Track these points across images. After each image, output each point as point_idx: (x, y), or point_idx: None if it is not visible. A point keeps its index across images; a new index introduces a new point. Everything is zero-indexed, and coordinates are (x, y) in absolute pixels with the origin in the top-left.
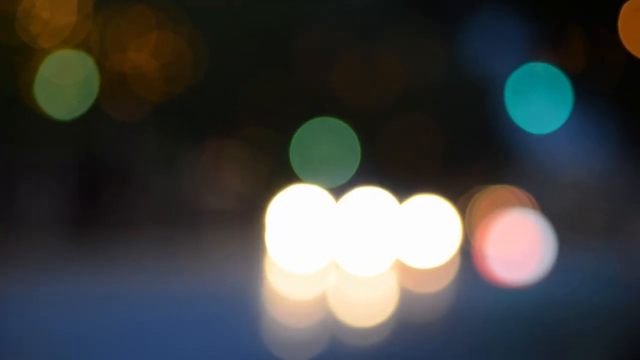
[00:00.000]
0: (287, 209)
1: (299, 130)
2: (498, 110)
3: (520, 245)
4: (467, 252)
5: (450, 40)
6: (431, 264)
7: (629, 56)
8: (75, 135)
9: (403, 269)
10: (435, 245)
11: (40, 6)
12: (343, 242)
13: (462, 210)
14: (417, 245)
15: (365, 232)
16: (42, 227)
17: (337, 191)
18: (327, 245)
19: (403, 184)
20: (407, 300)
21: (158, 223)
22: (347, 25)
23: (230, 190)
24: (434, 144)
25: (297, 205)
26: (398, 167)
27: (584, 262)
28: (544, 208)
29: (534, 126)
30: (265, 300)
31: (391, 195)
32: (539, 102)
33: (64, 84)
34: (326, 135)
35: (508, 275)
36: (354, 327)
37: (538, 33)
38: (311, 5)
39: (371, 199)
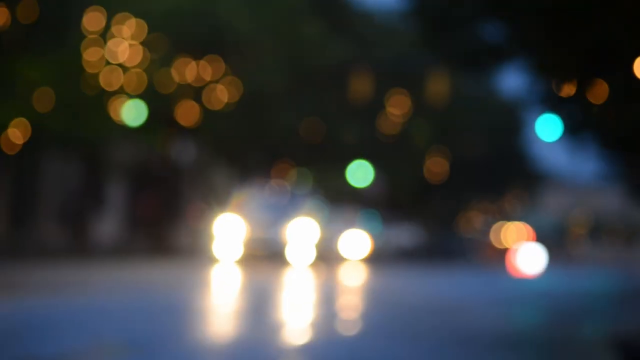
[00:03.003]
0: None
1: (349, 165)
2: (521, 150)
3: (527, 256)
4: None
5: (480, 86)
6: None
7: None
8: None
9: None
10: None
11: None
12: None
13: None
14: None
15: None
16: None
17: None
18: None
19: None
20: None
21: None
22: (389, 73)
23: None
24: (462, 181)
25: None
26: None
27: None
28: (543, 234)
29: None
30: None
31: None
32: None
33: (133, 104)
34: (358, 169)
35: (522, 271)
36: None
37: (555, 84)
38: (355, 52)
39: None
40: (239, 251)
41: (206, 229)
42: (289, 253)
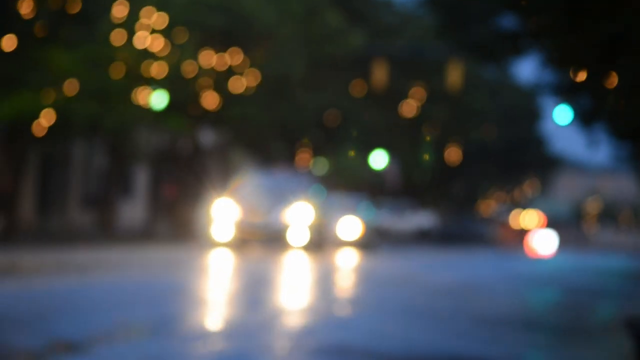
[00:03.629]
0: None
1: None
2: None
3: (541, 240)
4: (521, 238)
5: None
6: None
7: None
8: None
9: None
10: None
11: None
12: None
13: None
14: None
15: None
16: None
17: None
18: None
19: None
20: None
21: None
22: (409, 62)
23: None
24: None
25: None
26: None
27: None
28: (556, 219)
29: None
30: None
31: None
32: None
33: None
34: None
35: (537, 252)
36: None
37: (569, 76)
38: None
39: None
40: (244, 235)
41: (216, 213)
42: (289, 236)
